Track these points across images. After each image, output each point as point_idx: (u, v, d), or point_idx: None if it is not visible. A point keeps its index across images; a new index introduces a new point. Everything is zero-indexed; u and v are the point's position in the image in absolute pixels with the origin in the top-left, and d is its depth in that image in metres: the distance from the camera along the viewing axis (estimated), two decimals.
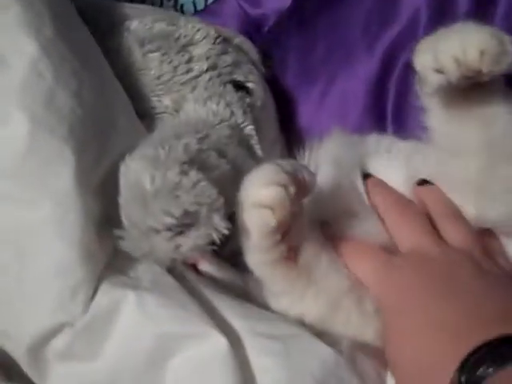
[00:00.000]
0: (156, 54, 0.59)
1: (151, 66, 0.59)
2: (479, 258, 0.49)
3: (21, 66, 0.47)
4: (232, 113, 0.56)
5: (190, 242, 0.45)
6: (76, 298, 0.46)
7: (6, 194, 0.46)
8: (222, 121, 0.55)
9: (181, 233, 0.45)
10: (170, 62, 0.59)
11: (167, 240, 0.45)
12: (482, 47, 0.45)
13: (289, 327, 0.48)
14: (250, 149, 0.57)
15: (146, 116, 0.59)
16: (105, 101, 0.52)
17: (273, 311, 0.51)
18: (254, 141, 0.57)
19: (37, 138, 0.46)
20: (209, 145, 0.51)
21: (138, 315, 0.46)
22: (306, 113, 0.72)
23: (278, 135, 0.67)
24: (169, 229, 0.45)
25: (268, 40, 0.75)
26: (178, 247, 0.45)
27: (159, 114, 0.59)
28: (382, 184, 0.56)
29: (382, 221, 0.54)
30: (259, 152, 0.58)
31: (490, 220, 0.53)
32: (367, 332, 0.50)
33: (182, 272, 0.52)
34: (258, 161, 0.57)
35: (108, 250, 0.49)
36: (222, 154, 0.51)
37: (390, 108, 0.68)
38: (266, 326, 0.47)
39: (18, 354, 0.47)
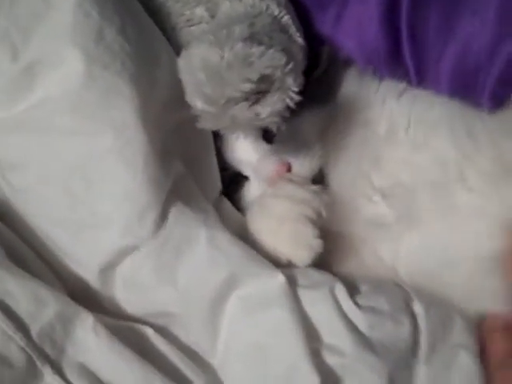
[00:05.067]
0: None
1: None
2: None
3: (67, 7, 0.48)
4: (267, 6, 0.58)
5: (268, 108, 0.47)
6: (143, 222, 0.48)
7: (69, 128, 0.48)
8: (260, 13, 0.57)
9: (257, 102, 0.47)
10: None
11: (246, 109, 0.47)
12: None
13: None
14: (290, 37, 0.59)
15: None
16: (146, 37, 0.53)
17: None
18: (292, 30, 0.59)
19: (93, 74, 0.47)
20: (257, 30, 0.52)
21: (211, 250, 0.49)
22: (323, 30, 0.73)
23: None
24: (245, 98, 0.47)
25: None
26: (257, 115, 0.47)
27: (195, 25, 0.60)
28: None
29: None
30: (299, 40, 0.60)
31: None
32: None
33: None
34: (300, 48, 0.59)
35: (171, 178, 0.51)
36: (271, 38, 0.52)
37: (404, 28, 0.68)
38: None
39: (91, 278, 0.49)
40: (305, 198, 0.54)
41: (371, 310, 0.50)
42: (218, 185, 0.60)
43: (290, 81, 0.47)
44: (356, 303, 0.50)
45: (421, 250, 0.57)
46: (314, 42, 0.70)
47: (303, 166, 0.59)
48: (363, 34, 0.69)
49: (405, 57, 0.68)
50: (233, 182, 0.63)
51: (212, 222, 0.52)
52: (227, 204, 0.61)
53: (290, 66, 0.47)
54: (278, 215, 0.54)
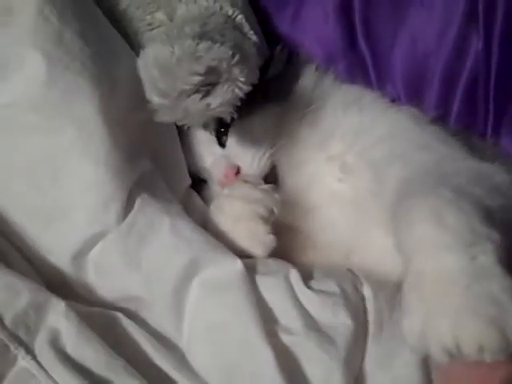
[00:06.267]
0: None
1: None
2: None
3: (28, 14, 0.51)
4: (221, 7, 0.62)
5: (218, 99, 0.50)
6: (108, 211, 0.51)
7: (33, 125, 0.51)
8: (214, 13, 0.60)
9: (208, 94, 0.50)
10: None
11: (198, 101, 0.50)
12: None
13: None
14: (243, 35, 0.62)
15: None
16: (106, 40, 0.57)
17: None
18: (246, 28, 0.63)
19: (54, 75, 0.50)
20: (210, 28, 0.56)
21: (174, 237, 0.52)
22: (282, 29, 0.77)
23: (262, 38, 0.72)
24: (197, 90, 0.50)
25: None
26: (208, 105, 0.50)
27: (155, 28, 0.64)
28: None
29: None
30: (253, 37, 0.63)
31: None
32: None
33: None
34: (253, 44, 0.62)
35: (137, 172, 0.54)
36: (223, 36, 0.56)
37: (358, 21, 0.71)
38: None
39: (64, 266, 0.51)
40: (257, 197, 0.58)
41: (322, 293, 0.52)
42: (186, 178, 0.63)
43: (236, 72, 0.50)
44: (309, 287, 0.53)
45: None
46: (275, 42, 0.74)
47: (252, 167, 0.62)
48: (320, 30, 0.73)
49: (361, 50, 0.72)
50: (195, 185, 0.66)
51: (175, 212, 0.55)
52: (196, 198, 0.64)
53: (237, 58, 0.50)
54: (233, 215, 0.57)
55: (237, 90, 0.51)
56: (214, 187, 0.64)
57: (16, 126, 0.51)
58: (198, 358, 0.50)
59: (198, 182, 0.65)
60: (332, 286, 0.53)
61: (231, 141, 0.63)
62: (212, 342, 0.50)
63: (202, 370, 0.49)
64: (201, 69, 0.49)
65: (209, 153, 0.64)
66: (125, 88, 0.55)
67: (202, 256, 0.52)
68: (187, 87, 0.49)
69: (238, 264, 0.52)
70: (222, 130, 0.64)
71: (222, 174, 0.62)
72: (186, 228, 0.53)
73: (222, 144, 0.64)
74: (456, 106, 0.66)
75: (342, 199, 0.61)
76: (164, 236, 0.52)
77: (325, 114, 0.63)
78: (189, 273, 0.51)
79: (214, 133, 0.64)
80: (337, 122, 0.62)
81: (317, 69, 0.68)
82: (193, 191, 0.64)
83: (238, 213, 0.57)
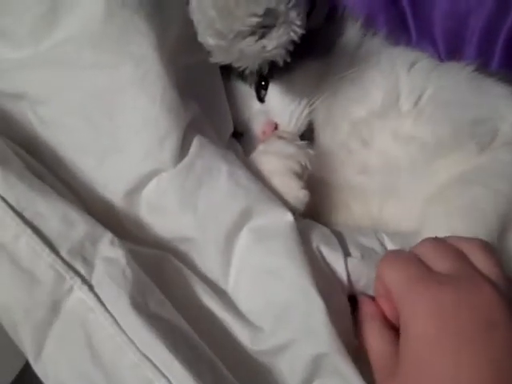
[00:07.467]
0: None
1: None
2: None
3: None
4: None
5: (273, 41, 0.51)
6: (163, 147, 0.52)
7: (91, 62, 0.51)
8: None
9: (263, 36, 0.51)
10: None
11: (254, 43, 0.51)
12: None
13: None
14: None
15: None
16: None
17: None
18: None
19: (112, 11, 0.50)
20: None
21: (231, 184, 0.53)
22: None
23: None
24: (253, 32, 0.51)
25: None
26: (264, 47, 0.51)
27: None
28: None
29: None
30: None
31: None
32: None
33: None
34: None
35: (190, 112, 0.55)
36: None
37: None
38: None
39: (116, 202, 0.52)
40: (290, 152, 0.59)
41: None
42: (231, 126, 0.64)
43: (293, 14, 0.51)
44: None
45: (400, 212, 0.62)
46: None
47: (290, 124, 0.63)
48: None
49: (402, 5, 0.72)
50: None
51: (232, 159, 0.56)
52: (239, 146, 0.65)
53: (294, 1, 0.51)
54: (267, 170, 0.59)
55: (292, 34, 0.52)
56: (252, 140, 0.65)
57: (72, 62, 0.51)
58: (246, 302, 0.51)
59: (234, 135, 0.66)
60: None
61: (270, 96, 0.64)
62: (261, 287, 0.51)
63: (250, 313, 0.50)
64: (259, 10, 0.50)
65: (247, 106, 0.65)
66: (175, 29, 0.56)
67: (256, 205, 0.53)
68: (244, 28, 0.50)
69: (289, 216, 0.53)
70: (263, 83, 0.64)
71: (260, 130, 0.63)
72: (243, 176, 0.54)
73: (260, 99, 0.65)
74: (495, 62, 0.67)
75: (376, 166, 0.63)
76: (222, 181, 0.53)
77: (368, 80, 0.64)
78: (242, 220, 0.52)
79: (253, 86, 0.65)
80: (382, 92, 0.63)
81: (362, 26, 0.68)
82: (235, 140, 0.65)
83: (271, 168, 0.58)
